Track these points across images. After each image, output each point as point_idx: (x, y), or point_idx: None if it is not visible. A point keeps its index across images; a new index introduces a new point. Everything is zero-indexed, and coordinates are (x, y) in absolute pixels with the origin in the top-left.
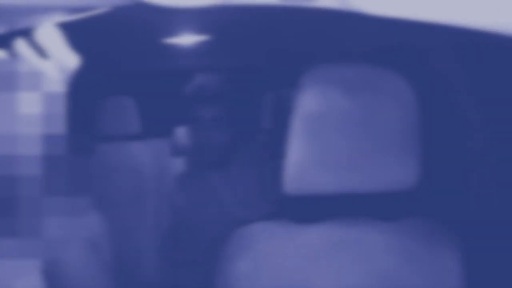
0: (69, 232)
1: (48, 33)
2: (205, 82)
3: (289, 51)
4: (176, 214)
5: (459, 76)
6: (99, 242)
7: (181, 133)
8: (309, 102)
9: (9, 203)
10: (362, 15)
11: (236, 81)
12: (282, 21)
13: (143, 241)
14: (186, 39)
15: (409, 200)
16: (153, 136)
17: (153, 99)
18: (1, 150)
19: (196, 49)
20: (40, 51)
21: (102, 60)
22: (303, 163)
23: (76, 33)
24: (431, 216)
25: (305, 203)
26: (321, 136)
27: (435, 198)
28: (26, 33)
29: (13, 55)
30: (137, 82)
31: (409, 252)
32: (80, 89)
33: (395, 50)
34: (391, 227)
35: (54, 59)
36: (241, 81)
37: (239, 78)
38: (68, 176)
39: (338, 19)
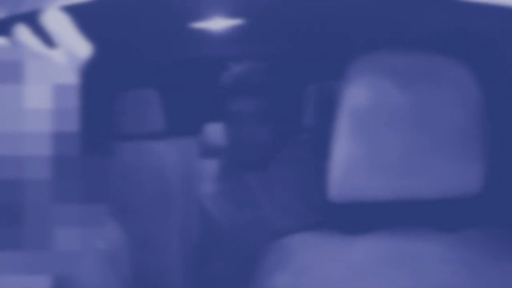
0: (83, 244)
1: (56, 17)
2: (242, 73)
3: (335, 37)
4: (207, 222)
5: None
6: (118, 255)
7: (213, 130)
8: (357, 95)
9: (14, 210)
10: None
11: (276, 71)
12: (328, 3)
13: (169, 253)
14: (219, 23)
15: (472, 207)
16: (180, 133)
17: (180, 92)
18: (6, 151)
19: (231, 35)
20: (48, 38)
21: (120, 48)
22: (351, 166)
23: (89, 16)
24: (496, 226)
25: (352, 211)
26: (371, 135)
27: (501, 206)
28: (31, 17)
29: (16, 42)
30: (161, 73)
31: (472, 266)
32: (96, 81)
33: (457, 35)
34: (451, 238)
35: (63, 47)
36: (281, 71)
37: (279, 68)
38: (82, 180)
39: (390, 1)
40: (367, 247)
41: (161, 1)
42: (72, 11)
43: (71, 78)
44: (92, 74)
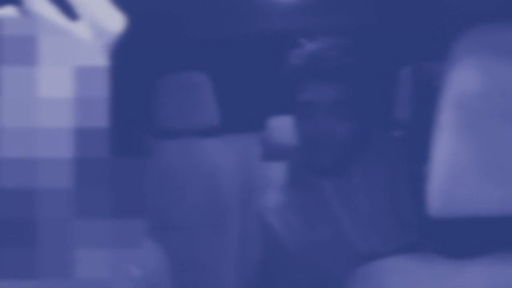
0: (112, 269)
1: None
2: (316, 52)
3: (437, 6)
4: (270, 242)
5: None
6: (158, 283)
7: (278, 125)
8: (465, 80)
9: (26, 227)
10: None
11: (360, 50)
12: None
13: (222, 280)
14: None
15: None
16: (237, 129)
17: (237, 76)
18: (15, 152)
19: (303, 4)
20: (69, 8)
21: (161, 21)
22: (457, 171)
23: None
24: None
25: (458, 229)
26: (483, 131)
27: None
28: None
29: (29, 13)
30: (214, 52)
31: None
32: (130, 62)
33: None
34: None
35: (89, 19)
36: (367, 50)
37: (365, 46)
38: (112, 188)
39: None
40: (478, 274)
41: None
42: None
43: (98, 59)
44: (125, 54)
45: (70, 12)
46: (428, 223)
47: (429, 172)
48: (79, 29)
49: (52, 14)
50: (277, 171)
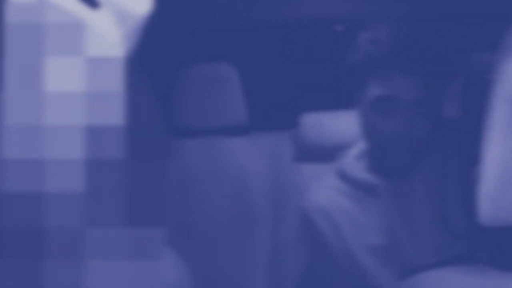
0: (129, 284)
1: None
2: (397, 39)
3: None
4: (313, 253)
5: None
6: None
7: (311, 123)
8: None
9: (34, 237)
10: None
11: (412, 40)
12: None
13: None
14: None
15: None
16: (265, 127)
17: (267, 68)
18: (20, 152)
19: None
20: None
21: (186, 7)
22: (511, 175)
23: None
24: None
25: None
26: None
27: None
28: None
29: None
30: (241, 41)
31: None
32: (150, 53)
33: None
34: None
35: (104, 3)
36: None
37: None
38: (127, 193)
39: None
40: None
41: None
42: None
43: (114, 48)
44: (146, 44)
45: None
46: (480, 232)
47: (480, 176)
48: (94, 16)
49: None
50: (311, 174)
